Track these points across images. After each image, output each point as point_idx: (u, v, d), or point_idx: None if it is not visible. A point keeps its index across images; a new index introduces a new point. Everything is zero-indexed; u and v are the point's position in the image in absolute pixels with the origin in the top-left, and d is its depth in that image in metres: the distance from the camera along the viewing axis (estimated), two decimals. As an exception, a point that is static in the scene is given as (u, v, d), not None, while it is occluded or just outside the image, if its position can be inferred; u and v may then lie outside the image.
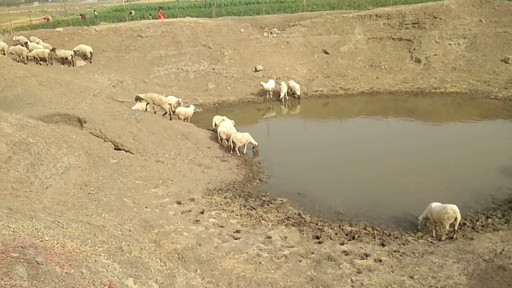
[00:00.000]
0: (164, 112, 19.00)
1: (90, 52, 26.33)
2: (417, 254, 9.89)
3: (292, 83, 25.39)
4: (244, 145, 17.29)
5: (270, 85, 25.05)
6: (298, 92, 25.02)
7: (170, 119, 18.66)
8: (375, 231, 11.08)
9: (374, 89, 26.02)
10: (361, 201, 12.97)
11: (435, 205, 10.75)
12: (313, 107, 24.94)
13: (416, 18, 30.34)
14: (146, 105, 18.82)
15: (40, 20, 49.38)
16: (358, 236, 10.82)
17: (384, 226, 11.43)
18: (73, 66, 25.66)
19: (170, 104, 18.74)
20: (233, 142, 17.03)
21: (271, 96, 25.19)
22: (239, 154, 17.08)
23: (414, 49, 29.03)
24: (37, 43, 26.46)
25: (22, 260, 5.13)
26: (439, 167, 15.32)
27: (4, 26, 40.37)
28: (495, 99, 23.13)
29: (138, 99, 18.60)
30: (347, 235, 10.94)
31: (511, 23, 28.97)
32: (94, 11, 50.78)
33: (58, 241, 6.08)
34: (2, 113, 13.36)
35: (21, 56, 24.00)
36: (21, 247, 5.48)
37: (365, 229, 11.30)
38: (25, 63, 23.55)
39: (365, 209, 12.42)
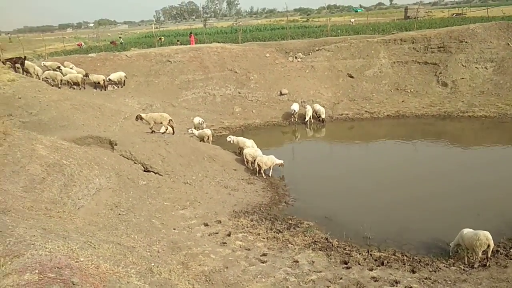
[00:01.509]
0: (165, 129, 18.71)
1: (103, 80, 26.93)
2: (449, 282, 9.64)
3: (317, 107, 25.53)
4: (269, 167, 17.37)
5: (295, 107, 25.25)
6: (323, 116, 25.10)
7: (173, 132, 18.69)
8: (405, 257, 10.87)
9: (400, 113, 25.86)
10: (389, 226, 12.79)
11: (467, 231, 10.51)
12: (338, 131, 24.91)
13: (441, 42, 30.23)
14: (167, 129, 18.77)
15: (73, 46, 51.40)
16: (388, 262, 10.63)
17: (414, 252, 11.20)
18: (105, 90, 26.53)
19: (171, 120, 18.62)
20: (258, 165, 17.15)
21: (296, 119, 25.31)
22: (264, 177, 17.16)
23: (440, 72, 28.82)
24: (71, 68, 27.50)
25: (58, 280, 5.27)
26: (469, 192, 15.01)
27: (39, 51, 42.13)
28: (525, 123, 22.60)
29: (139, 118, 18.39)
30: (376, 260, 10.77)
31: (539, 46, 28.53)
32: (120, 37, 52.48)
33: (92, 262, 6.23)
34: (37, 135, 13.86)
35: (55, 81, 24.96)
36: (57, 267, 5.63)
37: (394, 254, 11.10)
38: (59, 87, 24.46)
39: (394, 234, 12.21)
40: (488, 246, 10.09)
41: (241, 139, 19.64)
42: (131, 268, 7.01)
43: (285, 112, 26.18)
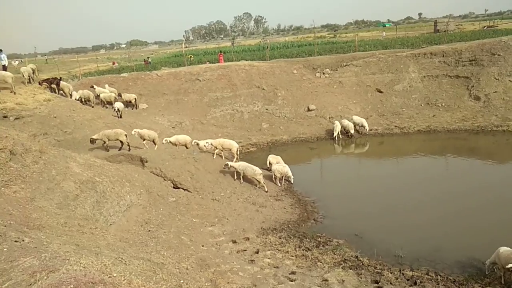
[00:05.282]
0: (122, 144, 18.23)
1: (135, 99, 27.54)
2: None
3: (346, 122, 25.34)
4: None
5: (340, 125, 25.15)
6: (352, 131, 24.89)
7: (129, 149, 17.98)
8: (439, 277, 10.55)
9: (431, 128, 25.35)
10: (421, 244, 12.43)
11: (504, 249, 10.10)
12: (368, 146, 24.59)
13: (473, 55, 29.64)
14: (104, 144, 17.96)
15: (106, 66, 53.07)
16: (421, 282, 10.34)
17: (448, 272, 10.85)
18: (136, 108, 27.23)
19: (126, 136, 18.08)
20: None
21: (341, 136, 25.05)
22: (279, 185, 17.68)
23: (473, 86, 28.17)
24: (112, 87, 28.43)
25: (93, 295, 5.41)
26: (505, 209, 14.44)
27: (74, 72, 43.72)
28: None
29: (92, 141, 17.78)
30: (408, 280, 10.49)
31: None
32: (148, 57, 53.82)
33: (125, 278, 6.34)
34: (71, 153, 14.33)
35: (89, 100, 25.82)
36: (92, 282, 5.77)
37: (427, 274, 10.79)
38: (92, 107, 25.27)
39: (427, 253, 11.87)
40: (526, 266, 9.67)
41: (145, 132, 19.25)
42: (161, 284, 7.10)
43: (312, 127, 26.12)
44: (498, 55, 28.94)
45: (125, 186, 13.68)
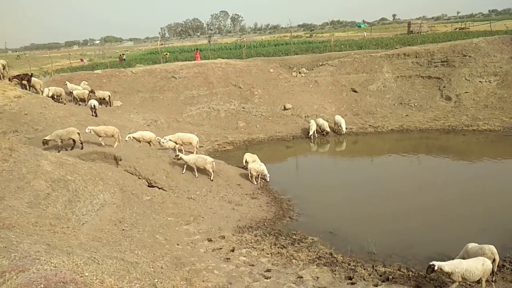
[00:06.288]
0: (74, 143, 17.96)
1: (109, 96, 27.01)
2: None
3: (321, 121, 25.60)
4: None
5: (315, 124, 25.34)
6: (327, 129, 25.17)
7: (82, 148, 17.72)
8: (410, 273, 10.79)
9: (404, 127, 25.87)
10: (394, 240, 12.72)
11: (472, 245, 10.42)
12: (342, 145, 24.91)
13: (445, 56, 30.42)
14: (74, 143, 17.81)
15: (79, 62, 52.00)
16: (393, 278, 10.56)
17: (420, 267, 11.08)
18: (110, 106, 26.78)
19: (78, 134, 17.68)
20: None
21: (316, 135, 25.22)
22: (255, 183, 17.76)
23: (444, 87, 28.90)
24: (87, 84, 27.76)
25: (64, 294, 5.31)
26: (474, 206, 14.91)
27: (46, 68, 42.66)
28: (530, 136, 22.55)
29: (45, 143, 17.22)
30: (381, 276, 10.70)
31: (543, 59, 28.61)
32: (123, 54, 52.96)
33: (97, 277, 6.25)
34: (42, 151, 14.01)
35: (61, 97, 25.23)
36: (63, 282, 5.66)
37: (399, 270, 11.02)
38: (64, 104, 24.71)
39: (399, 249, 12.14)
40: (494, 260, 9.98)
41: (100, 128, 18.89)
42: (135, 283, 7.02)
43: (288, 126, 26.30)
44: (469, 56, 29.78)
45: (98, 184, 13.45)
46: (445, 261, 9.82)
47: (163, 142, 18.96)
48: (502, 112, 25.99)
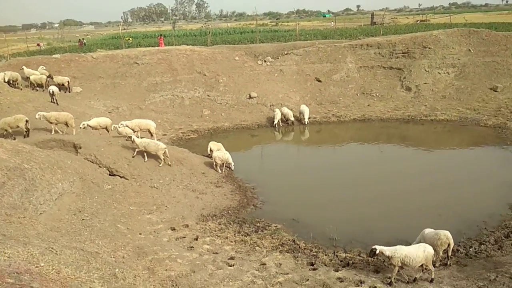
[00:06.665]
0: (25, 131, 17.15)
1: (68, 82, 26.07)
2: (412, 281, 9.93)
3: (285, 110, 25.75)
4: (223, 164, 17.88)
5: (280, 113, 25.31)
6: (292, 118, 25.35)
7: (28, 135, 16.99)
8: (370, 258, 11.09)
9: (366, 116, 26.41)
10: (355, 227, 13.05)
11: (428, 231, 10.82)
12: (306, 134, 25.19)
13: (406, 47, 31.19)
14: (5, 132, 16.70)
15: (36, 46, 49.89)
16: (353, 263, 10.85)
17: (379, 253, 11.43)
18: (70, 92, 25.87)
19: (27, 121, 16.94)
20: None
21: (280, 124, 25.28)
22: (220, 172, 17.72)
23: (405, 77, 29.68)
24: (44, 69, 26.55)
25: (17, 286, 5.14)
26: (431, 193, 15.49)
27: (1, 52, 40.70)
28: (484, 126, 23.57)
29: None
30: (341, 261, 10.96)
31: (498, 52, 29.90)
32: (83, 39, 51.22)
33: (53, 267, 6.08)
34: (-4, 138, 13.40)
35: (17, 82, 24.15)
36: (17, 272, 5.49)
37: (359, 255, 11.32)
38: (20, 89, 23.68)
39: (359, 235, 12.46)
40: (449, 245, 10.42)
41: (52, 114, 18.21)
42: (94, 273, 6.89)
43: (254, 115, 26.31)
44: (429, 48, 30.68)
45: (57, 173, 13.01)
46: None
47: (119, 128, 18.33)
48: (459, 102, 26.98)
